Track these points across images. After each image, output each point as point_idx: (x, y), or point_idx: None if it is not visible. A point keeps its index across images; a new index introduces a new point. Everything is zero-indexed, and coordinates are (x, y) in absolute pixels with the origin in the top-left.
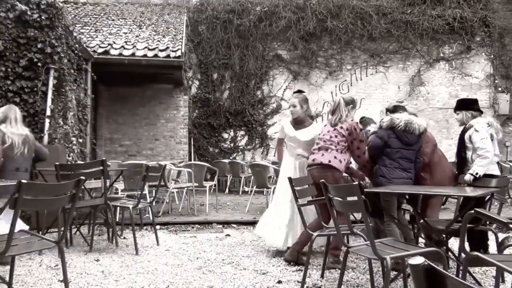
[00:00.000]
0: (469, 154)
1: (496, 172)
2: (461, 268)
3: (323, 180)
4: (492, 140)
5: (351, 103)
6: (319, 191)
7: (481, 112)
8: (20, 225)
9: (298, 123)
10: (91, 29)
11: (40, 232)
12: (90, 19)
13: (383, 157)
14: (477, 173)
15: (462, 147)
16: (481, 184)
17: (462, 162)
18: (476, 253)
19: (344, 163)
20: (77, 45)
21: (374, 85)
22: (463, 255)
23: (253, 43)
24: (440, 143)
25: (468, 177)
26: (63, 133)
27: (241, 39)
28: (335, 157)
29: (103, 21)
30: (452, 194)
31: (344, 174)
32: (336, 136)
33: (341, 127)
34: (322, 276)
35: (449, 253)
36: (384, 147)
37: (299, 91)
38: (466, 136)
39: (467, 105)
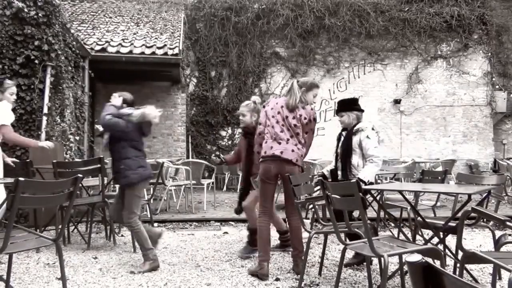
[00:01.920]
0: (355, 158)
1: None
2: (458, 265)
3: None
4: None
5: (303, 86)
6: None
7: (363, 111)
8: None
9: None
10: (88, 26)
11: (38, 230)
12: (88, 17)
13: None
14: (368, 180)
15: (348, 150)
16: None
17: (345, 165)
18: (473, 250)
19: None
20: (74, 43)
21: (372, 83)
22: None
23: (251, 40)
24: (437, 141)
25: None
26: (60, 130)
27: (239, 37)
28: (298, 149)
29: (101, 19)
30: (449, 192)
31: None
32: (295, 125)
33: (300, 115)
34: (319, 274)
35: (446, 251)
36: None
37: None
38: (355, 140)
39: (349, 106)
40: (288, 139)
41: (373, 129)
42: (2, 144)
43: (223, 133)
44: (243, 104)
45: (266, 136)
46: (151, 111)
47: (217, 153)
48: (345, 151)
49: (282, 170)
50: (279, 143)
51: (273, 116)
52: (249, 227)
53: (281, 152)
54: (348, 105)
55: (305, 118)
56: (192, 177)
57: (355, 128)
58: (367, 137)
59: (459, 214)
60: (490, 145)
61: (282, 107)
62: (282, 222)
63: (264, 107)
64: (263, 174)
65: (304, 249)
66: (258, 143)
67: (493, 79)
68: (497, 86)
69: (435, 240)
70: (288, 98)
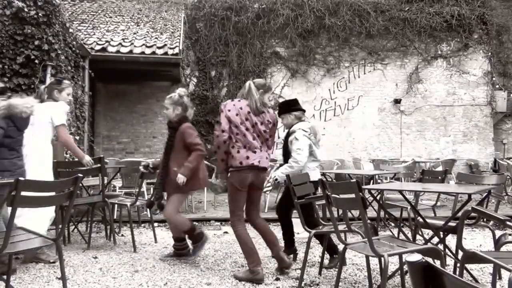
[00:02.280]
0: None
1: (317, 178)
2: (458, 265)
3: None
4: (311, 149)
5: (261, 88)
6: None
7: (304, 111)
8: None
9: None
10: (88, 26)
11: None
12: (88, 16)
13: None
14: (276, 179)
15: (286, 149)
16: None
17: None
18: (473, 250)
19: None
20: (74, 42)
21: (372, 83)
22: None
23: (251, 40)
24: (437, 141)
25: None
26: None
27: (239, 37)
28: (269, 155)
29: (101, 18)
30: (449, 191)
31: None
32: (264, 131)
33: (268, 120)
34: (319, 273)
35: (447, 250)
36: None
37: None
38: (290, 140)
39: (288, 108)
40: (260, 147)
41: (307, 131)
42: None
43: None
44: (167, 97)
45: (237, 145)
46: (19, 102)
47: (144, 163)
48: (283, 151)
49: (258, 178)
50: (254, 152)
51: (241, 123)
52: (174, 237)
53: (259, 162)
54: (287, 107)
55: (270, 122)
56: None
57: (291, 129)
58: (295, 138)
59: (459, 214)
60: (490, 145)
61: (249, 112)
62: (183, 228)
63: (222, 111)
64: (239, 183)
65: (291, 249)
66: (223, 151)
67: (493, 78)
68: (497, 86)
69: (435, 239)
70: (249, 102)
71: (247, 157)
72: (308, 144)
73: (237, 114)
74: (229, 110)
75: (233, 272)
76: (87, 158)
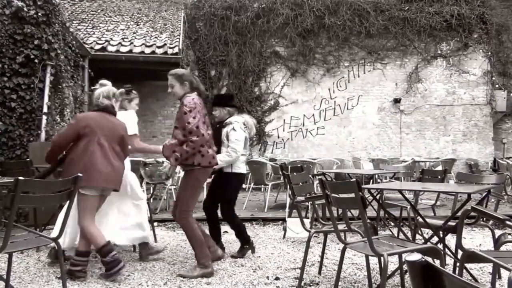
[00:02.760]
0: (223, 150)
1: (243, 170)
2: (458, 264)
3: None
4: (246, 141)
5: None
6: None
7: (237, 108)
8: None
9: None
10: (88, 25)
11: (38, 229)
12: (87, 16)
13: None
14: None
15: (219, 143)
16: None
17: None
18: (473, 249)
19: None
20: (74, 42)
21: (371, 82)
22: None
23: (251, 40)
24: (437, 140)
25: None
26: (60, 129)
27: (238, 36)
28: None
29: (100, 18)
30: (449, 191)
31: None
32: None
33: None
34: (319, 273)
35: (446, 250)
36: None
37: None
38: (224, 132)
39: (223, 101)
40: (213, 143)
41: (244, 124)
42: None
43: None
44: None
45: (207, 144)
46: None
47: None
48: (216, 143)
49: (208, 173)
50: (215, 151)
51: (204, 122)
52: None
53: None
54: (222, 101)
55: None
56: None
57: (225, 122)
58: (233, 129)
59: (459, 213)
60: (490, 144)
61: (203, 108)
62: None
63: (185, 106)
64: (202, 181)
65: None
66: (185, 151)
67: (493, 78)
68: (497, 85)
69: (435, 239)
70: (198, 93)
71: (213, 157)
72: (244, 136)
73: (199, 111)
74: (195, 107)
75: (232, 271)
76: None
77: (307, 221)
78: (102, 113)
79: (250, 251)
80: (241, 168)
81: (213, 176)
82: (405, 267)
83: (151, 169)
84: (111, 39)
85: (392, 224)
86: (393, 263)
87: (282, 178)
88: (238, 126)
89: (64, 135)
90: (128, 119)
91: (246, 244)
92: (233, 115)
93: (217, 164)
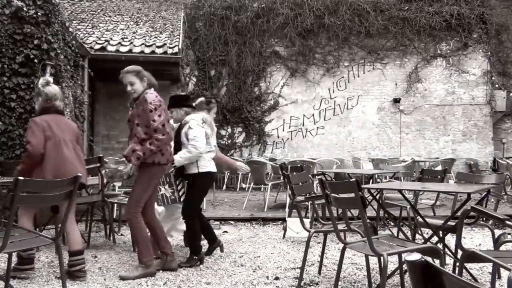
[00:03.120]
0: (183, 151)
1: (211, 169)
2: (457, 264)
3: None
4: (207, 138)
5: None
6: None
7: (194, 108)
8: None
9: None
10: (88, 25)
11: (37, 229)
12: (87, 16)
13: None
14: (172, 162)
15: (179, 144)
16: None
17: None
18: (472, 249)
19: None
20: (73, 42)
21: (371, 82)
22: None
23: (251, 39)
24: (437, 140)
25: None
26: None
27: (238, 36)
28: None
29: (100, 18)
30: (448, 191)
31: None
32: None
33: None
34: (319, 273)
35: (446, 250)
36: None
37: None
38: (182, 133)
39: (180, 102)
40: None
41: (203, 121)
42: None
43: (223, 132)
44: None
45: (164, 146)
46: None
47: None
48: (176, 145)
49: (164, 170)
50: (171, 147)
51: (168, 120)
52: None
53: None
54: (179, 102)
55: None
56: None
57: (183, 121)
58: (189, 127)
59: (459, 213)
60: (490, 144)
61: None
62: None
63: (150, 103)
64: (157, 179)
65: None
66: (149, 149)
67: (493, 78)
68: (496, 85)
69: (435, 239)
70: (155, 85)
71: (170, 154)
72: (204, 132)
73: (164, 109)
74: (160, 105)
75: (232, 271)
76: (239, 164)
77: (307, 221)
78: (57, 115)
79: (198, 262)
80: (208, 166)
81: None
82: (404, 267)
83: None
84: (111, 39)
85: (392, 224)
86: (393, 263)
87: (282, 178)
88: (195, 123)
89: (38, 138)
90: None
91: (195, 254)
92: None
93: (173, 160)
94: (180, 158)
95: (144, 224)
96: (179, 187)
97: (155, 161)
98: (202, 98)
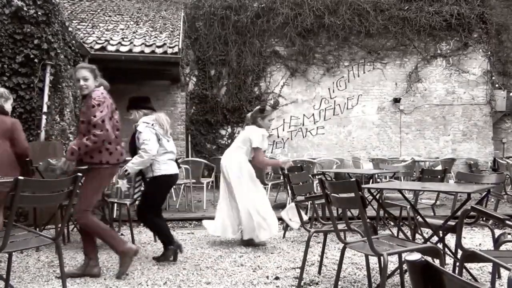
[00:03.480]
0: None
1: (167, 171)
2: (457, 264)
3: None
4: (159, 139)
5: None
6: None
7: (154, 110)
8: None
9: None
10: (88, 25)
11: (38, 229)
12: (87, 15)
13: None
14: (126, 170)
15: (133, 146)
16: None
17: None
18: (473, 249)
19: None
20: (73, 41)
21: (371, 82)
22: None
23: (251, 39)
24: (437, 140)
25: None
26: (60, 129)
27: (238, 36)
28: None
29: (100, 17)
30: (448, 190)
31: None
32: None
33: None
34: (319, 272)
35: (446, 249)
36: None
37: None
38: (136, 136)
39: (138, 104)
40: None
41: (149, 123)
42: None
43: (223, 132)
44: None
45: (116, 141)
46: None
47: None
48: (130, 148)
49: (115, 172)
50: (123, 148)
51: (110, 118)
52: None
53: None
54: (137, 103)
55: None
56: (191, 176)
57: (134, 125)
58: (139, 131)
59: (459, 213)
60: (490, 144)
61: (112, 103)
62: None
63: (94, 99)
64: (108, 180)
65: (169, 250)
66: (84, 145)
67: (493, 78)
68: (496, 85)
69: (435, 239)
70: (106, 86)
71: (122, 154)
72: (154, 134)
73: (107, 106)
74: (104, 101)
75: (232, 271)
76: (283, 159)
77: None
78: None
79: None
80: (163, 169)
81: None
82: (404, 266)
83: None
84: (111, 38)
85: (392, 223)
86: (392, 263)
87: (281, 177)
88: (143, 127)
89: None
90: (257, 134)
91: (169, 244)
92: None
93: (125, 161)
94: (132, 164)
95: (98, 220)
96: (136, 184)
97: (102, 160)
98: (258, 107)
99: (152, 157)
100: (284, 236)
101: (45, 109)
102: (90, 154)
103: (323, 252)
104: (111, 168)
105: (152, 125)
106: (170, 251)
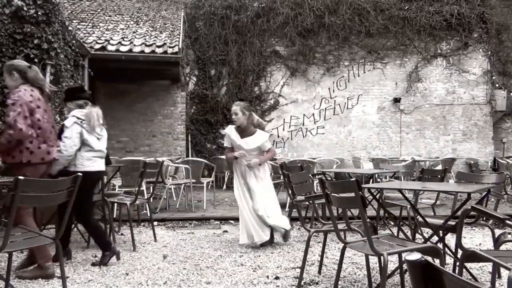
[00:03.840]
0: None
1: (97, 168)
2: (457, 263)
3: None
4: (83, 137)
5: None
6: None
7: (89, 99)
8: None
9: (242, 131)
10: (88, 25)
11: (38, 228)
12: (87, 15)
13: None
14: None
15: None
16: None
17: None
18: (473, 249)
19: None
20: (74, 41)
21: (371, 81)
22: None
23: (251, 39)
24: (437, 140)
25: None
26: (59, 129)
27: (238, 35)
28: None
29: (100, 17)
30: (448, 190)
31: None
32: (50, 119)
33: (50, 107)
34: (319, 272)
35: (446, 249)
36: None
37: (241, 100)
38: (63, 130)
39: (73, 95)
40: (54, 138)
41: (80, 118)
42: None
43: (223, 131)
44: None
45: (38, 139)
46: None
47: None
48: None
49: (48, 171)
50: (52, 146)
51: (25, 117)
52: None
53: (56, 155)
54: (73, 94)
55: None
56: (191, 176)
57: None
58: (65, 126)
59: (459, 213)
60: (490, 144)
61: (39, 99)
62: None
63: (9, 99)
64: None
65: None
66: (6, 147)
67: (493, 77)
68: (497, 85)
69: (435, 238)
70: (41, 85)
71: (48, 152)
72: (79, 132)
73: (31, 102)
74: (22, 96)
75: (232, 271)
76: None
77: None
78: None
79: (115, 257)
80: (86, 166)
81: None
82: (405, 266)
83: None
84: (111, 38)
85: (392, 223)
86: (393, 263)
87: (282, 177)
88: (72, 121)
89: None
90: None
91: (106, 250)
92: (82, 107)
93: (52, 159)
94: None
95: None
96: None
97: (23, 160)
98: (246, 104)
99: (68, 157)
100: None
101: None
102: (12, 154)
103: (323, 251)
104: (34, 167)
105: (82, 121)
106: (107, 257)
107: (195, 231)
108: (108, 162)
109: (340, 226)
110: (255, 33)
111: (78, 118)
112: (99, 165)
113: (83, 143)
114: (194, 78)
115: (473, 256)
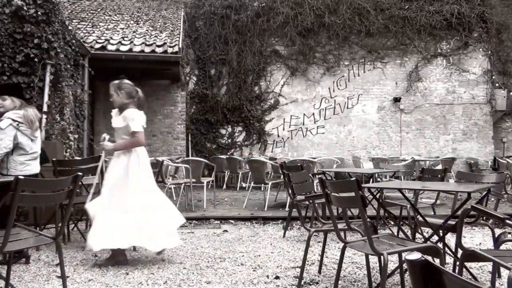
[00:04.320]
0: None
1: (31, 171)
2: (457, 263)
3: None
4: (17, 140)
5: None
6: None
7: (23, 99)
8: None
9: (121, 112)
10: (88, 24)
11: (38, 228)
12: (87, 15)
13: None
14: None
15: None
16: None
17: None
18: (473, 248)
19: None
20: (74, 41)
21: (371, 81)
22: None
23: (251, 38)
24: (437, 139)
25: None
26: (60, 129)
27: (238, 35)
28: None
29: (100, 17)
30: (448, 190)
31: None
32: None
33: None
34: (319, 272)
35: (446, 249)
36: None
37: (121, 78)
38: None
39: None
40: None
41: (16, 120)
42: None
43: (223, 131)
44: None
45: None
46: None
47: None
48: None
49: None
50: None
51: None
52: None
53: None
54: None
55: None
56: (192, 176)
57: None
58: (0, 127)
59: (459, 212)
60: (490, 143)
61: None
62: None
63: None
64: None
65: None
66: None
67: (493, 77)
68: (497, 84)
69: (435, 238)
70: None
71: None
72: (13, 135)
73: None
74: None
75: (232, 270)
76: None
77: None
78: None
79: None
80: (19, 170)
81: None
82: (405, 266)
83: None
84: (111, 38)
85: (392, 223)
86: (393, 262)
87: (282, 177)
88: (7, 123)
89: None
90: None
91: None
92: (16, 107)
93: None
94: None
95: None
96: None
97: None
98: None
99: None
100: (284, 236)
101: (45, 108)
102: None
103: (323, 251)
104: None
105: (18, 124)
106: (16, 258)
107: (195, 230)
108: (43, 161)
109: (340, 226)
110: (255, 32)
111: (14, 120)
112: (33, 168)
113: (17, 147)
114: (194, 78)
115: (473, 255)
